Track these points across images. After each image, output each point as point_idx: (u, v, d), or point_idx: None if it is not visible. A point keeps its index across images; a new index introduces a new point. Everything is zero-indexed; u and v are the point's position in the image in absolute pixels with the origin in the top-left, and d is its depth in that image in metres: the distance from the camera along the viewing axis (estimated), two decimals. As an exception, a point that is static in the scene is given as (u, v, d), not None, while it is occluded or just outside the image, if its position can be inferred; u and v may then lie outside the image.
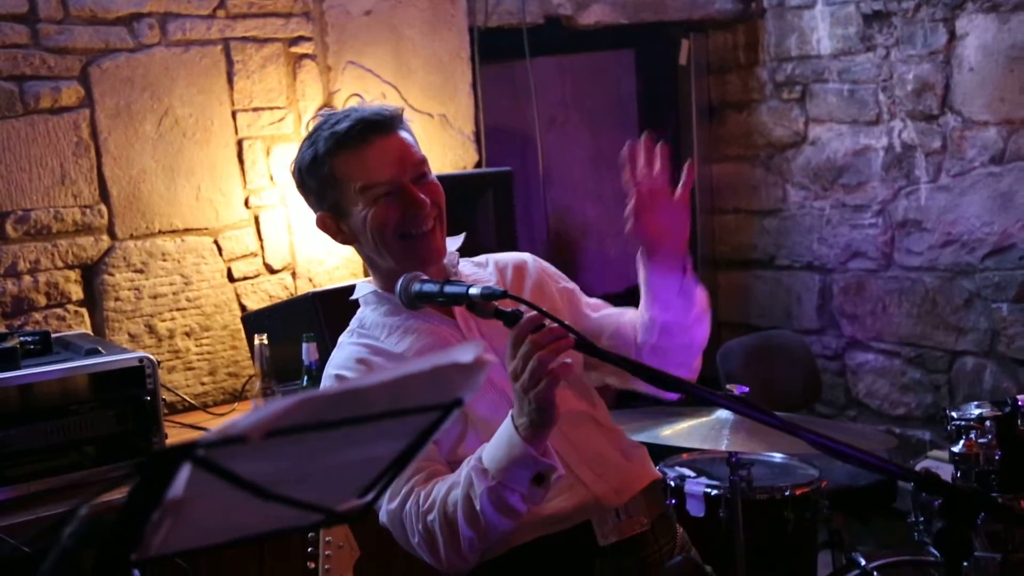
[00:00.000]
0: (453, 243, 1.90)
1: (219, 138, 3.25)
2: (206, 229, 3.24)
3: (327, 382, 1.85)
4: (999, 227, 3.87)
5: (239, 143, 3.29)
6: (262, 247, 3.36)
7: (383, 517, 1.74)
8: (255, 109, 3.31)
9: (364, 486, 1.03)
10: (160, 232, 3.15)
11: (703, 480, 2.82)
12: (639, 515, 1.85)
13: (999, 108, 3.81)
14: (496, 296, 1.59)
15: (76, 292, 3.03)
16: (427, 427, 1.01)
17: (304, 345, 2.88)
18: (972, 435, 2.47)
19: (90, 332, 3.01)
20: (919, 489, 2.39)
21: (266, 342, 2.90)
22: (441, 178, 1.88)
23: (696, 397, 1.60)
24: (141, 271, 3.11)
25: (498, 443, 1.61)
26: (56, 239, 2.98)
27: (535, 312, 1.57)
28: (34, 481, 2.40)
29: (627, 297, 1.99)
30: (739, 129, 4.66)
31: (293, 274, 3.42)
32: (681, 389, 1.59)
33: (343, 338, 1.90)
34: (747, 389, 2.42)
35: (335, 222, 1.84)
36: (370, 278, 1.94)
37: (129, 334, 3.09)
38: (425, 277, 1.70)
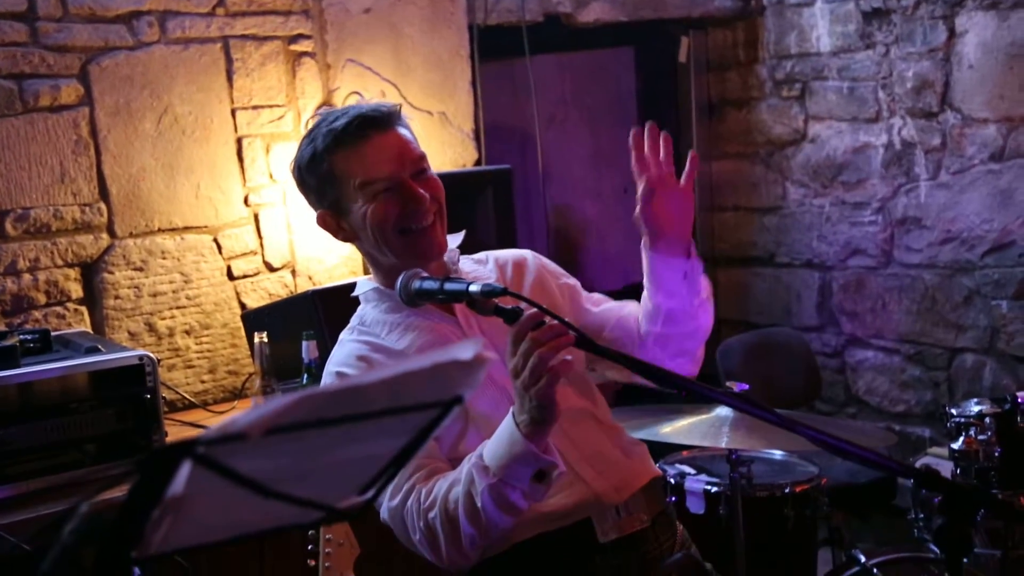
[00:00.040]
0: (453, 240, 1.90)
1: (218, 136, 3.24)
2: (206, 227, 3.24)
3: (327, 379, 1.85)
4: (999, 224, 3.87)
5: (238, 141, 3.29)
6: (262, 245, 3.35)
7: (384, 514, 1.74)
8: (254, 107, 3.31)
9: (364, 483, 1.03)
10: (160, 230, 3.15)
11: (703, 477, 2.82)
12: (639, 512, 1.85)
13: (999, 105, 3.81)
14: (496, 293, 1.60)
15: (76, 290, 3.02)
16: (427, 424, 1.01)
17: (304, 343, 2.88)
18: (972, 432, 2.47)
19: (90, 330, 3.00)
20: (919, 486, 2.41)
21: (266, 340, 2.90)
22: (441, 176, 1.88)
23: (696, 394, 1.60)
24: (141, 269, 3.11)
25: (499, 440, 1.62)
26: (56, 237, 2.98)
27: (535, 309, 1.57)
28: (34, 479, 2.40)
29: (627, 294, 1.99)
30: (739, 126, 4.66)
31: (293, 272, 3.42)
32: (680, 387, 1.59)
33: (343, 335, 1.90)
34: (747, 386, 2.41)
35: (335, 220, 1.84)
36: (371, 275, 1.94)
37: (129, 332, 3.09)
38: (425, 274, 1.70)
